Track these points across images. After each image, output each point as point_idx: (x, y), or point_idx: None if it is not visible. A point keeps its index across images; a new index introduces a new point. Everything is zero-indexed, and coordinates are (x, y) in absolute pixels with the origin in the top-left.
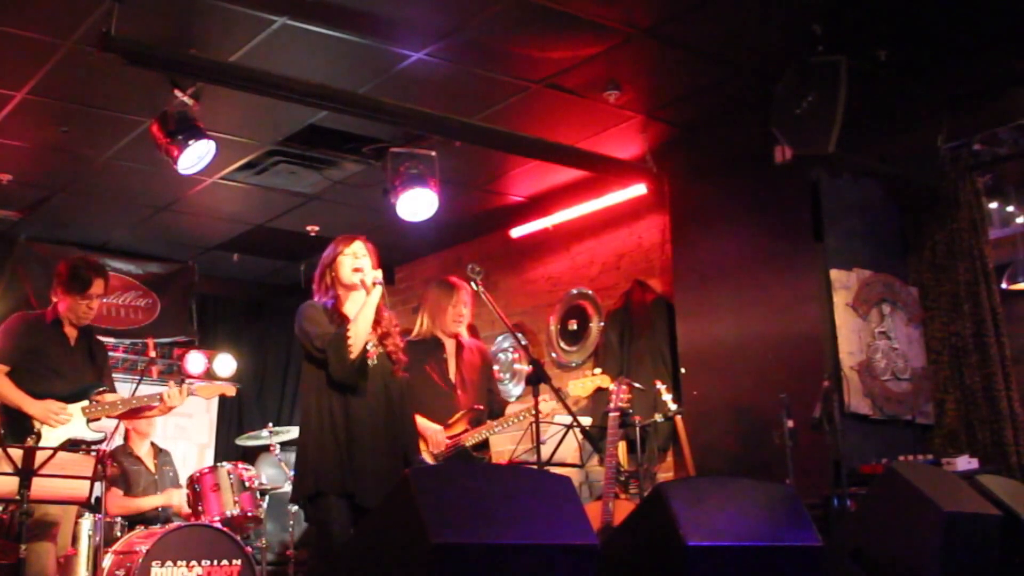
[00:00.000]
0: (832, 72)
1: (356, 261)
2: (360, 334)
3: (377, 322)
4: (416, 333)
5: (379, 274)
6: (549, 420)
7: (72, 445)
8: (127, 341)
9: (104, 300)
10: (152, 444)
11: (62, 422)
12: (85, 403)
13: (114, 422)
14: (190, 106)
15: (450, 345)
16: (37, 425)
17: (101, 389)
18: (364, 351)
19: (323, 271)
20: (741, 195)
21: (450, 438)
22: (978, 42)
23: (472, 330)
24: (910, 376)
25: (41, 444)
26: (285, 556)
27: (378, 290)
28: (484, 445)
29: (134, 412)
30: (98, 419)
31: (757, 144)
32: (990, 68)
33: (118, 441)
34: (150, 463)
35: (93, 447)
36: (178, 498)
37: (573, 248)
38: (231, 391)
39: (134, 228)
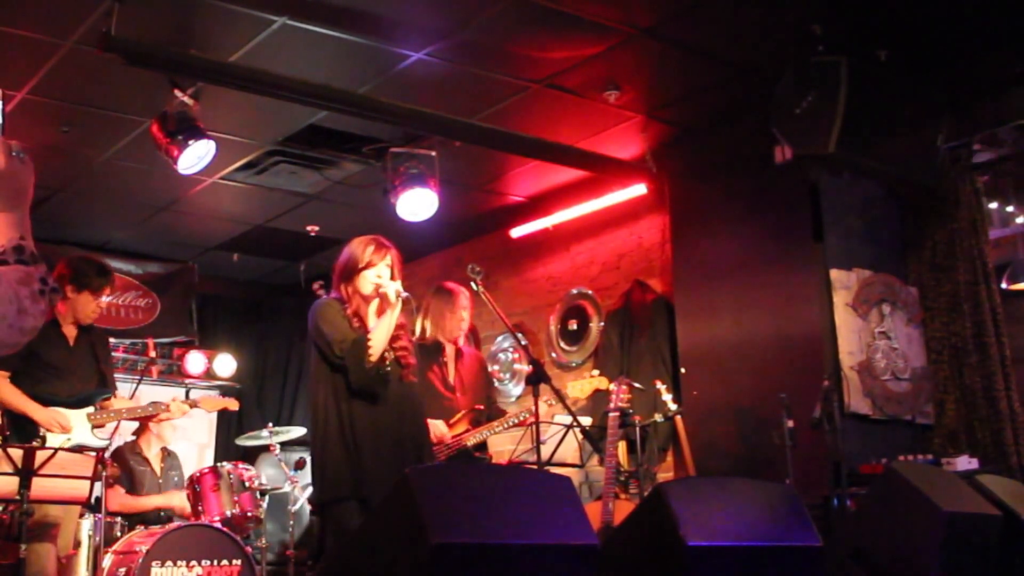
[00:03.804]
0: (832, 72)
1: (379, 279)
2: (379, 343)
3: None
4: (417, 337)
5: (400, 286)
6: (549, 420)
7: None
8: (127, 341)
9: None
10: (162, 447)
11: (66, 430)
12: (90, 409)
13: (113, 424)
14: (190, 106)
15: (450, 349)
16: (42, 429)
17: (106, 396)
18: (382, 358)
19: (347, 272)
20: (741, 195)
21: (452, 438)
22: (978, 42)
23: (472, 330)
24: (910, 376)
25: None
26: (285, 556)
27: (400, 303)
28: (483, 446)
29: (137, 418)
30: (103, 426)
31: (757, 144)
32: (990, 68)
33: (119, 441)
34: (157, 465)
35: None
36: (179, 500)
37: (573, 248)
38: (234, 405)
39: (134, 228)
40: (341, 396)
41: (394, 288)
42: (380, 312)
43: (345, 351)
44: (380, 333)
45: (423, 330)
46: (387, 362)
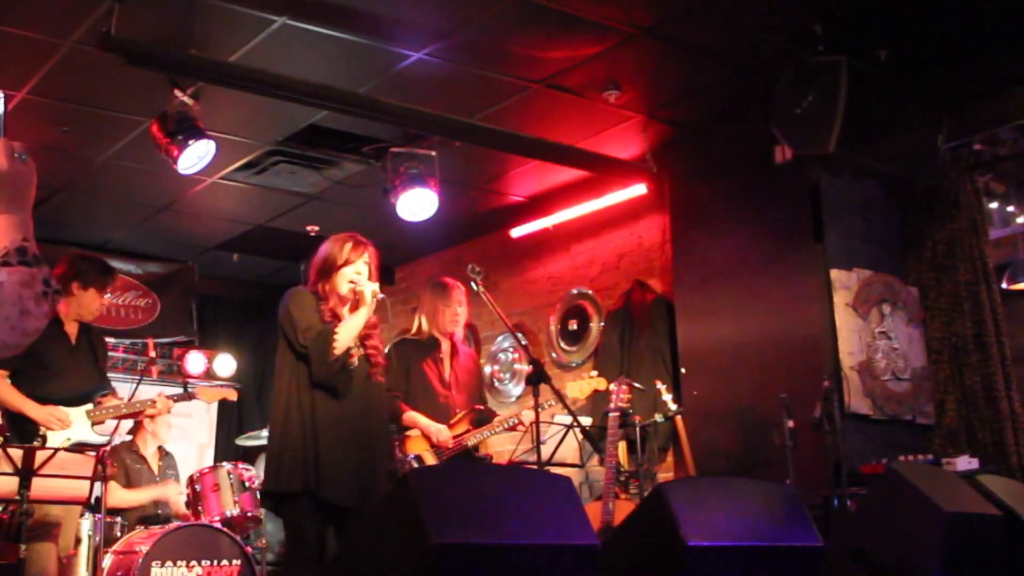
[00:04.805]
0: (832, 72)
1: (358, 276)
2: (347, 338)
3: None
4: (414, 333)
5: (377, 287)
6: (549, 420)
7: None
8: (127, 341)
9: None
10: (159, 446)
11: (65, 426)
12: (89, 406)
13: (114, 421)
14: (190, 106)
15: (446, 345)
16: (42, 428)
17: (105, 392)
18: (347, 353)
19: (325, 269)
20: (741, 195)
21: (454, 439)
22: (978, 42)
23: (471, 329)
24: (910, 376)
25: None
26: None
27: (374, 303)
28: (478, 446)
29: (131, 414)
30: (102, 422)
31: (757, 144)
32: (990, 68)
33: (117, 441)
34: (154, 464)
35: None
36: (174, 491)
37: (573, 248)
38: (233, 395)
39: (134, 228)
40: (303, 386)
41: (371, 288)
42: (353, 310)
43: (309, 340)
44: (348, 328)
45: (419, 326)
46: (353, 359)
